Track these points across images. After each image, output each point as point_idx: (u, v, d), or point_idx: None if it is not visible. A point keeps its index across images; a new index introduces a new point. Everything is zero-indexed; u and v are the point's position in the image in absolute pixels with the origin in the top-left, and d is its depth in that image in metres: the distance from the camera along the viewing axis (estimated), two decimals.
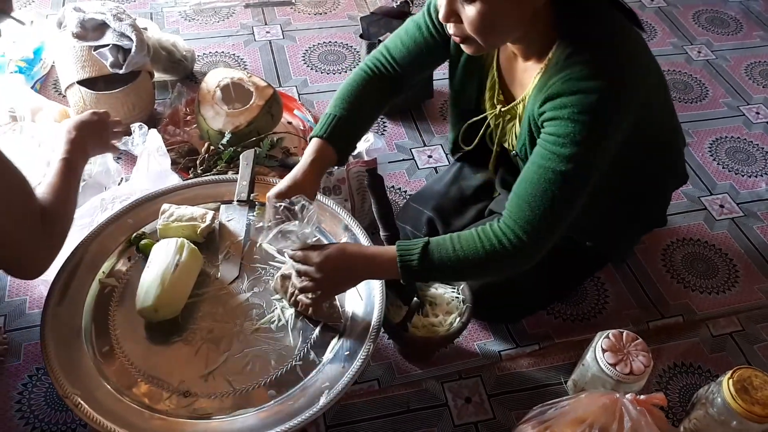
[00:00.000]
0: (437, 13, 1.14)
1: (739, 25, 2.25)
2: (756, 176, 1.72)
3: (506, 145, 1.20)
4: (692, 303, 1.42)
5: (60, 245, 1.04)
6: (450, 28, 0.99)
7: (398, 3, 1.88)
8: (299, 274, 1.06)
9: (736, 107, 1.92)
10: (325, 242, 1.20)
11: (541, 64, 1.02)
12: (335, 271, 1.03)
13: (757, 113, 1.91)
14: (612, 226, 1.27)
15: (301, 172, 1.09)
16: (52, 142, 1.44)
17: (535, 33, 1.00)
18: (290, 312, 1.12)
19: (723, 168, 1.73)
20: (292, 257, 1.06)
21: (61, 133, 1.14)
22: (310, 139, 1.15)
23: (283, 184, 1.08)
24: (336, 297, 1.13)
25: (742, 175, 1.72)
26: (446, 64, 1.24)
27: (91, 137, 1.18)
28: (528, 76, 1.06)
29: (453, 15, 0.95)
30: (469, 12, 0.92)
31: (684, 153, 1.32)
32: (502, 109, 1.15)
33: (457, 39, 1.00)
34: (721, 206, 1.63)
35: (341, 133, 1.14)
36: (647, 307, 1.40)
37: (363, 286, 1.15)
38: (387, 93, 1.24)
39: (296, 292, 1.09)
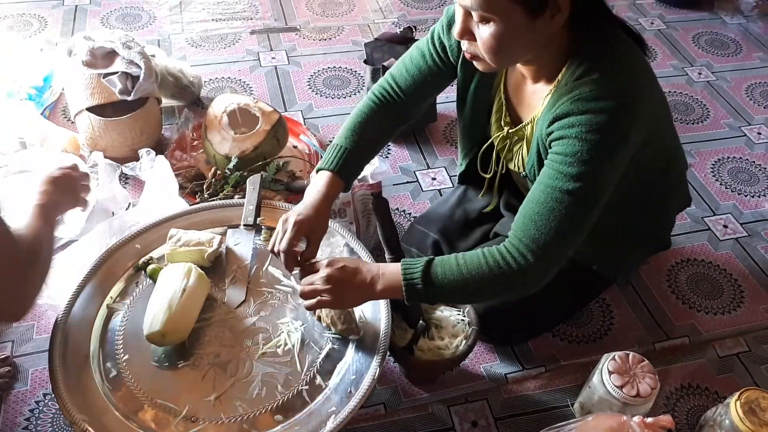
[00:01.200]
0: (440, 40, 1.17)
1: (739, 46, 2.28)
2: (759, 196, 1.72)
3: (512, 166, 1.21)
4: (698, 324, 1.41)
5: (39, 289, 0.99)
6: (463, 44, 1.01)
7: (402, 29, 1.91)
8: (306, 294, 1.06)
9: (738, 128, 1.94)
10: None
11: (551, 85, 1.03)
12: (340, 290, 1.04)
13: (759, 134, 1.92)
14: (616, 249, 1.28)
15: (314, 203, 1.12)
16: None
17: (547, 55, 1.01)
18: (296, 336, 1.13)
19: (726, 188, 1.74)
20: (300, 294, 1.08)
21: (33, 190, 1.10)
22: (318, 170, 1.17)
23: (299, 213, 1.10)
24: (353, 309, 1.14)
25: (745, 195, 1.72)
26: (452, 88, 1.26)
27: (62, 192, 1.13)
28: (537, 98, 1.08)
29: (467, 33, 0.97)
30: (483, 33, 0.94)
31: (686, 175, 1.33)
32: (510, 131, 1.16)
33: (468, 56, 1.02)
34: (725, 226, 1.64)
35: (349, 165, 1.17)
36: (653, 329, 1.40)
37: (369, 309, 1.16)
38: (394, 122, 1.26)
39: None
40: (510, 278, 0.99)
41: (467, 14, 0.95)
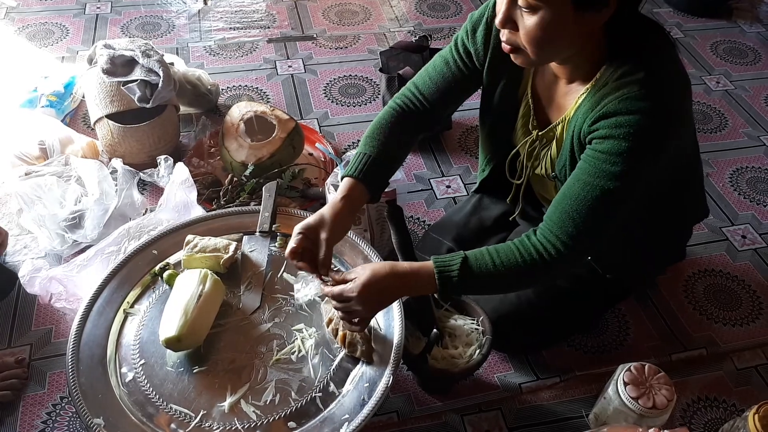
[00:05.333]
0: (464, 46, 1.17)
1: (758, 55, 2.26)
2: None
3: (539, 170, 1.20)
4: (715, 335, 1.40)
5: None
6: (503, 35, 1.00)
7: (417, 37, 1.92)
8: (339, 309, 1.06)
9: (757, 137, 1.92)
10: (343, 270, 1.21)
11: (587, 85, 1.03)
12: (374, 296, 1.04)
13: None
14: (633, 258, 1.27)
15: (330, 209, 1.10)
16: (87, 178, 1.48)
17: (585, 54, 1.01)
18: (310, 342, 1.13)
19: (744, 198, 1.72)
20: (327, 294, 1.07)
21: None
22: (342, 178, 1.16)
23: (311, 218, 1.10)
24: (372, 337, 1.14)
25: (764, 206, 1.70)
26: (471, 97, 1.26)
27: None
28: (570, 98, 1.08)
29: (509, 23, 0.96)
30: (528, 22, 0.93)
31: (704, 185, 1.32)
32: (539, 133, 1.16)
33: (507, 48, 1.01)
34: (743, 237, 1.62)
35: (373, 172, 1.15)
36: (669, 340, 1.38)
37: (382, 317, 1.16)
38: (417, 129, 1.25)
39: (340, 328, 1.12)
40: (543, 269, 1.02)
41: (512, 1, 0.94)
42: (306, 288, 1.22)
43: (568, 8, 0.91)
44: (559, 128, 1.11)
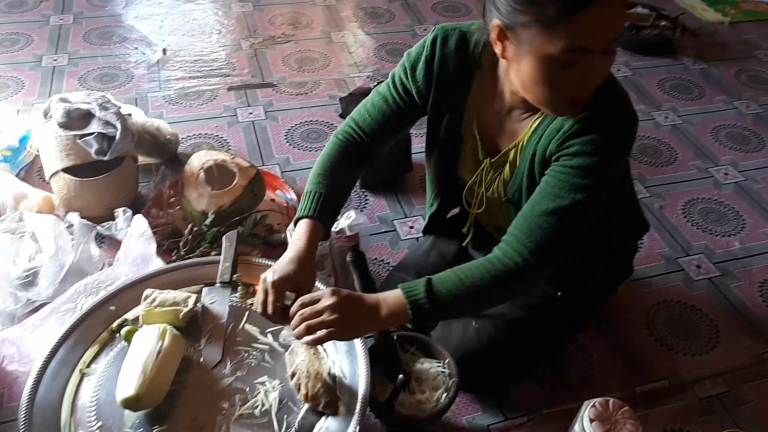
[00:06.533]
0: (403, 84, 1.20)
1: (702, 90, 2.36)
2: (729, 236, 1.76)
3: (490, 194, 1.23)
4: (677, 365, 1.42)
5: None
6: (588, 91, 0.99)
7: (376, 83, 1.96)
8: (306, 316, 1.03)
9: (705, 169, 1.99)
10: None
11: (539, 112, 1.08)
12: (346, 315, 1.03)
13: (726, 174, 1.97)
14: (581, 274, 1.30)
15: (299, 255, 1.11)
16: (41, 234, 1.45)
17: None
18: (274, 395, 1.12)
19: (697, 229, 1.78)
20: (300, 303, 1.05)
21: None
22: (297, 220, 1.17)
23: (283, 269, 1.09)
24: (337, 387, 1.12)
25: (716, 235, 1.76)
26: (420, 134, 1.29)
27: None
28: (523, 125, 1.12)
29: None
30: (605, 64, 0.96)
31: (638, 200, 1.37)
32: (492, 160, 1.19)
33: (584, 98, 1.00)
34: (698, 267, 1.66)
35: (327, 210, 1.18)
36: (633, 372, 1.40)
37: (347, 363, 1.15)
38: (361, 162, 1.28)
39: (302, 384, 1.10)
40: (511, 279, 1.05)
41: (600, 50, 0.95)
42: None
43: None
44: (511, 153, 1.15)
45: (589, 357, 1.43)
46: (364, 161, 1.28)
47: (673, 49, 2.57)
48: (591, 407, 1.13)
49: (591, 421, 1.11)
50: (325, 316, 1.02)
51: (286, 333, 1.21)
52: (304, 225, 1.15)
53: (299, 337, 1.04)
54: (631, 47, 2.55)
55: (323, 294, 1.05)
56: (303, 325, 1.03)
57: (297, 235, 1.14)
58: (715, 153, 2.06)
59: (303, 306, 1.05)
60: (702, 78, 2.43)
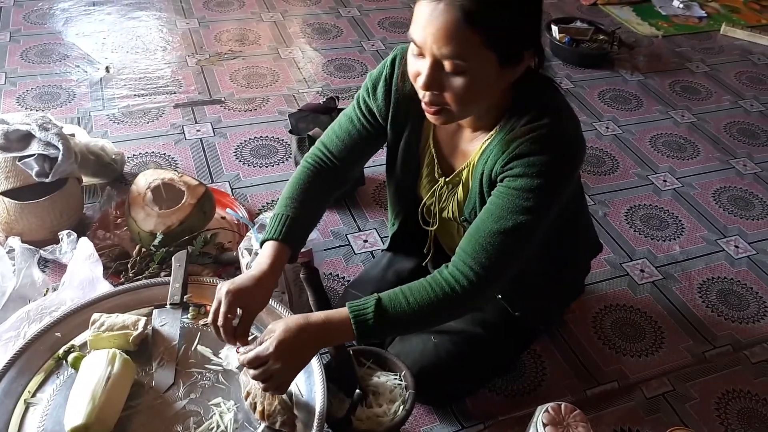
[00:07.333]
0: (366, 104, 1.21)
1: (640, 101, 2.47)
2: (669, 240, 1.84)
3: (446, 214, 1.24)
4: (625, 367, 1.47)
5: None
6: (425, 96, 1.01)
7: (325, 99, 1.97)
8: (257, 377, 1.03)
9: (646, 177, 2.08)
10: (257, 334, 1.18)
11: (490, 132, 1.09)
12: (291, 352, 1.01)
13: (665, 181, 2.06)
14: (538, 295, 1.33)
15: (258, 275, 1.09)
16: None
17: (492, 104, 1.07)
18: (229, 417, 1.10)
19: (640, 234, 1.85)
20: (242, 363, 1.04)
21: None
22: (263, 242, 1.16)
23: (239, 283, 1.08)
24: (293, 404, 1.11)
25: (658, 240, 1.83)
26: (379, 153, 1.30)
27: None
28: (474, 145, 1.13)
29: (435, 85, 0.98)
30: (456, 83, 0.96)
31: (592, 221, 1.41)
32: (446, 180, 1.21)
33: (431, 109, 1.02)
34: (642, 271, 1.73)
35: (294, 233, 1.16)
36: (584, 376, 1.44)
37: (303, 380, 1.14)
38: (331, 186, 1.28)
39: (258, 403, 1.08)
40: (457, 300, 1.05)
41: (437, 65, 0.96)
42: (232, 352, 1.19)
43: (493, 65, 0.96)
44: (464, 173, 1.17)
45: (541, 363, 1.46)
46: (335, 185, 1.28)
47: (611, 62, 2.67)
48: (544, 412, 1.15)
49: (545, 425, 1.13)
50: (269, 365, 1.01)
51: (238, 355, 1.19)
52: (268, 248, 1.14)
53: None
54: (572, 60, 2.65)
55: (262, 349, 1.01)
56: (258, 381, 1.04)
57: (260, 257, 1.13)
58: (655, 161, 2.15)
59: (249, 364, 1.03)
60: (639, 89, 2.54)
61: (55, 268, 1.55)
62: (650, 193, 2.01)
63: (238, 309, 1.08)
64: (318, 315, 1.06)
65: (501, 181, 1.06)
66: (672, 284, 1.70)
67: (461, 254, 1.07)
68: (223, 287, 1.07)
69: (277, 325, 1.03)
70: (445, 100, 0.99)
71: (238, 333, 1.08)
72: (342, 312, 1.04)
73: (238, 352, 1.07)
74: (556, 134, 1.02)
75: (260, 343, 1.02)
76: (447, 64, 0.95)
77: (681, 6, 3.16)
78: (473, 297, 1.06)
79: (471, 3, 0.90)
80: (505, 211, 1.04)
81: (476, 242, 1.05)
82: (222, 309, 1.06)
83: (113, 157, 1.81)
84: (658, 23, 3.03)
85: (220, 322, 1.06)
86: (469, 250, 1.06)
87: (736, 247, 1.83)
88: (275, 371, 1.01)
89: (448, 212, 1.24)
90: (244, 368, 1.15)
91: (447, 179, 1.20)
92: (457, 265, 1.06)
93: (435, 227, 1.31)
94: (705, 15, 3.13)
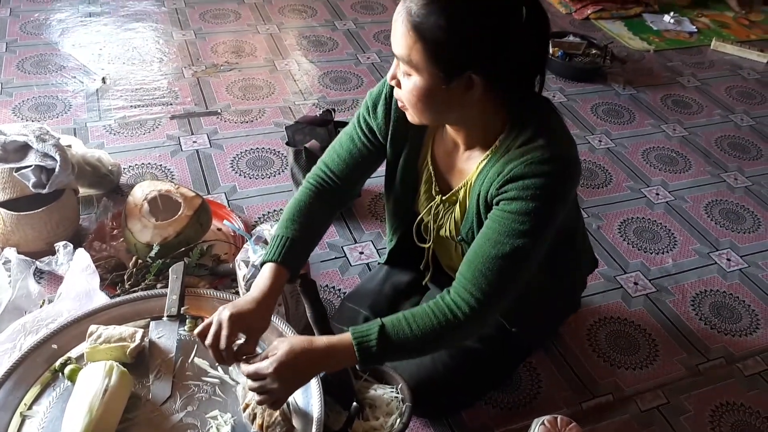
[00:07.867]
0: (366, 123, 1.23)
1: (632, 114, 2.49)
2: (662, 253, 1.85)
3: (443, 233, 1.25)
4: (619, 380, 1.48)
5: None
6: (396, 92, 1.07)
7: (322, 111, 1.98)
8: (254, 389, 1.04)
9: (638, 190, 2.10)
10: (259, 351, 1.19)
11: (486, 151, 1.10)
12: (291, 374, 1.03)
13: (657, 194, 2.08)
14: (535, 311, 1.34)
15: (258, 298, 1.10)
16: None
17: (482, 124, 1.08)
18: (226, 429, 1.10)
19: (633, 247, 1.86)
20: (243, 372, 1.04)
21: None
22: (263, 263, 1.16)
23: (240, 307, 1.08)
24: (291, 417, 1.11)
25: (651, 253, 1.85)
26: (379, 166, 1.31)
27: None
28: (471, 164, 1.14)
29: (394, 80, 1.05)
30: (405, 84, 1.02)
31: (588, 238, 1.42)
32: (443, 198, 1.21)
33: (400, 104, 1.08)
34: (635, 283, 1.74)
35: (294, 254, 1.17)
36: (579, 389, 1.45)
37: (300, 394, 1.15)
38: (333, 206, 1.28)
39: (258, 414, 1.08)
40: (459, 328, 1.05)
41: (399, 63, 1.02)
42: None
43: (436, 78, 0.98)
44: (461, 192, 1.17)
45: (536, 376, 1.47)
46: (337, 204, 1.29)
47: (604, 76, 2.70)
48: (540, 425, 1.16)
49: None
50: (267, 384, 1.02)
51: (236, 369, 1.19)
52: (267, 270, 1.14)
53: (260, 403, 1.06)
54: (565, 74, 2.67)
55: (263, 366, 1.02)
56: (258, 398, 1.05)
57: (260, 279, 1.14)
58: (647, 174, 2.17)
59: (249, 376, 1.05)
60: (632, 103, 2.57)
61: (51, 279, 1.54)
62: (643, 206, 2.03)
63: (240, 333, 1.09)
64: (321, 340, 1.07)
65: (497, 204, 1.06)
66: (665, 297, 1.71)
67: (461, 280, 1.07)
68: (225, 311, 1.07)
69: (282, 344, 1.04)
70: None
71: (239, 355, 1.09)
72: (345, 338, 1.05)
73: (242, 361, 1.08)
74: (551, 156, 1.02)
75: (263, 358, 1.03)
76: (401, 65, 1.01)
77: (672, 21, 3.21)
78: (475, 322, 1.06)
79: (417, 13, 0.95)
80: (502, 236, 1.04)
81: (475, 268, 1.05)
82: (224, 333, 1.06)
83: (110, 168, 1.81)
84: (650, 38, 3.07)
85: (222, 345, 1.06)
86: (469, 275, 1.06)
87: (728, 260, 1.85)
88: (272, 389, 1.02)
89: (445, 230, 1.24)
90: (243, 382, 1.16)
91: (444, 197, 1.21)
92: (458, 291, 1.07)
93: (430, 244, 1.31)
94: (695, 30, 3.18)
